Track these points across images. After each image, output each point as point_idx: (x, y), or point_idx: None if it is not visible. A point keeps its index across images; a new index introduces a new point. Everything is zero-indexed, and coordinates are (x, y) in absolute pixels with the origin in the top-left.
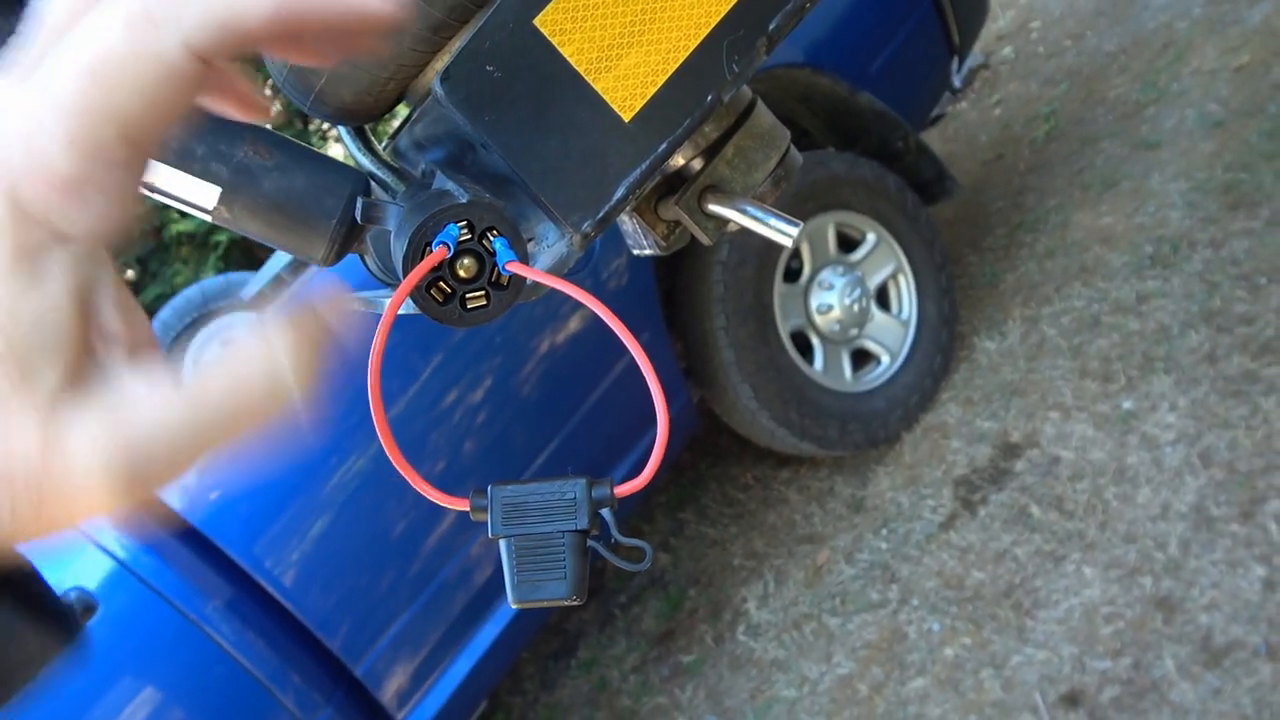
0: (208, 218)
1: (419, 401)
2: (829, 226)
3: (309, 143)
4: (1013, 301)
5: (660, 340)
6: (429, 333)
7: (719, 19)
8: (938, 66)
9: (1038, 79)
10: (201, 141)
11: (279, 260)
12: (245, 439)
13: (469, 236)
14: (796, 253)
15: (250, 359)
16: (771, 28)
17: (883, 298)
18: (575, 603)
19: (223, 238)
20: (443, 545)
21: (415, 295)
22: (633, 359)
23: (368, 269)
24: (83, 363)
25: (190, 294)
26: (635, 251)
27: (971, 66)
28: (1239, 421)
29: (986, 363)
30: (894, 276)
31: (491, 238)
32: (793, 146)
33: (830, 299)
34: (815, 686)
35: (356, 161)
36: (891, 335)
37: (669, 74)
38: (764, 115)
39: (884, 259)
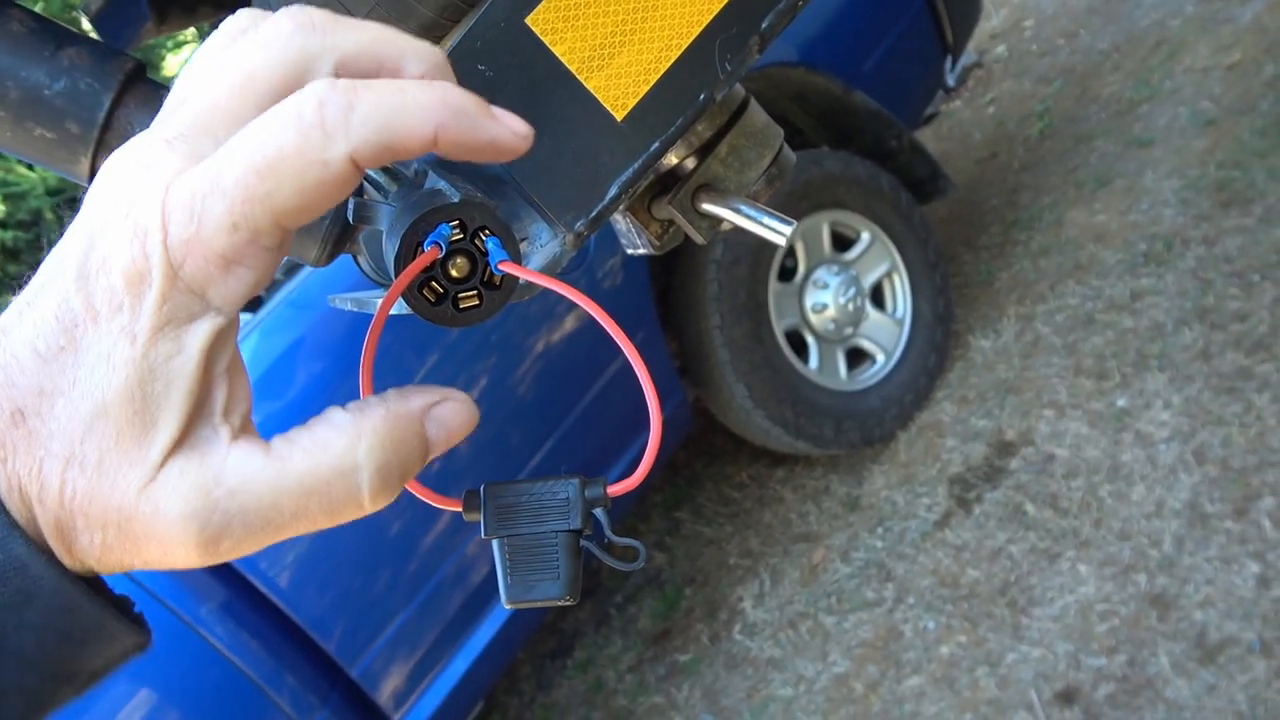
0: None
1: None
2: (824, 225)
3: None
4: (1007, 299)
5: (655, 339)
6: (424, 332)
7: (711, 18)
8: (931, 65)
9: (1031, 77)
10: None
11: None
12: (318, 523)
13: (461, 236)
14: (791, 252)
15: (330, 450)
16: (764, 26)
17: (877, 296)
18: (568, 603)
19: None
20: (438, 545)
21: (407, 295)
22: (628, 358)
23: (361, 269)
24: (196, 421)
25: None
26: (629, 251)
27: (965, 65)
28: (1233, 419)
29: (981, 361)
30: (889, 275)
31: (484, 237)
32: (786, 145)
33: (825, 298)
34: (811, 685)
35: None
36: (886, 334)
37: (661, 73)
38: (757, 114)
39: (878, 258)
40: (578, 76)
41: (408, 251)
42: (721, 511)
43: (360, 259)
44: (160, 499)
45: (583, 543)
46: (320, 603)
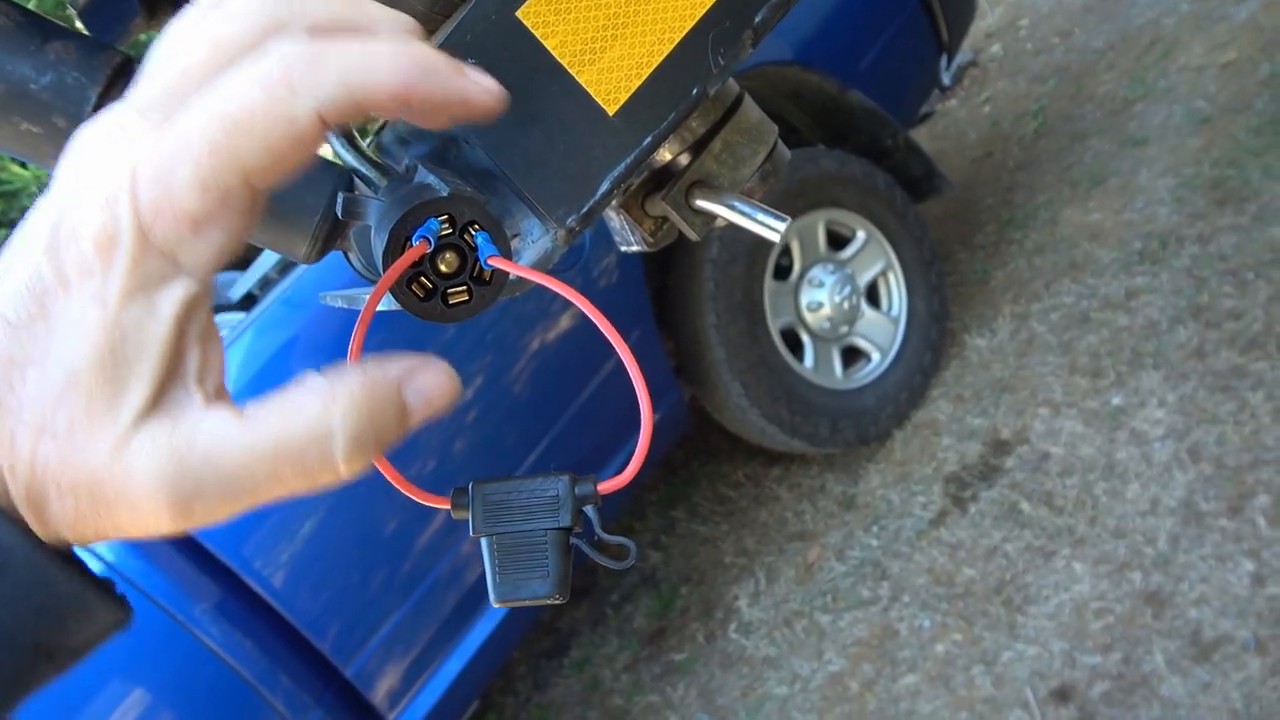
0: None
1: None
2: (819, 224)
3: None
4: (1002, 298)
5: (651, 338)
6: (418, 329)
7: (704, 11)
8: (927, 64)
9: (1026, 76)
10: None
11: (267, 260)
12: (289, 489)
13: (450, 231)
14: (786, 250)
15: (303, 413)
16: (757, 20)
17: (873, 295)
18: (558, 601)
19: None
20: (433, 545)
21: (395, 291)
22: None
23: (352, 266)
24: (169, 386)
25: None
26: (622, 248)
27: (960, 64)
28: (1227, 417)
29: (977, 359)
30: (884, 274)
31: (473, 232)
32: (780, 142)
33: (820, 296)
34: (807, 684)
35: (339, 157)
36: (882, 332)
37: (653, 67)
38: (751, 110)
39: (874, 256)
40: (569, 70)
41: (395, 246)
42: (717, 510)
43: (351, 255)
44: (131, 463)
45: (573, 540)
46: (315, 602)
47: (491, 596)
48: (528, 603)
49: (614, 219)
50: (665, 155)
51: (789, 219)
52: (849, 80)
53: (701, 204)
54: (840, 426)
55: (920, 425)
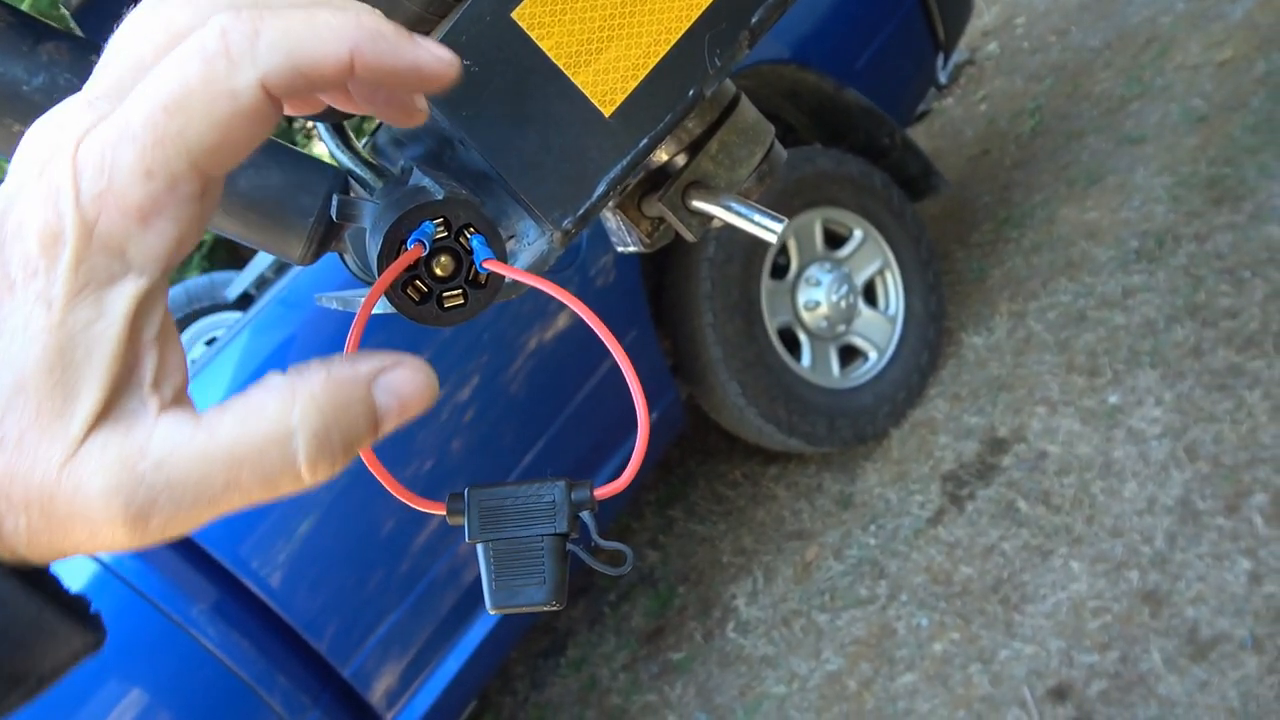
0: None
1: None
2: (816, 223)
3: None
4: (999, 297)
5: (648, 337)
6: (416, 330)
7: (700, 12)
8: (923, 62)
9: (1023, 74)
10: None
11: (263, 260)
12: (251, 497)
13: (445, 234)
14: (784, 249)
15: (262, 415)
16: (754, 21)
17: (870, 294)
18: (555, 608)
19: (207, 237)
20: (431, 544)
21: (390, 294)
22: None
23: (347, 267)
24: (121, 391)
25: (174, 294)
26: (619, 249)
27: (957, 62)
28: (1224, 415)
29: (974, 358)
30: (881, 273)
31: (469, 235)
32: (777, 142)
33: (818, 295)
34: (804, 683)
35: (335, 159)
36: (879, 331)
37: (650, 68)
38: (748, 110)
39: (871, 255)
40: (565, 72)
41: (390, 250)
42: (715, 509)
43: (347, 257)
44: (82, 475)
45: (569, 546)
46: (312, 602)
47: (488, 604)
48: (524, 609)
49: (610, 220)
50: (662, 156)
51: (785, 220)
52: (846, 79)
53: (698, 205)
54: (837, 425)
55: (917, 424)
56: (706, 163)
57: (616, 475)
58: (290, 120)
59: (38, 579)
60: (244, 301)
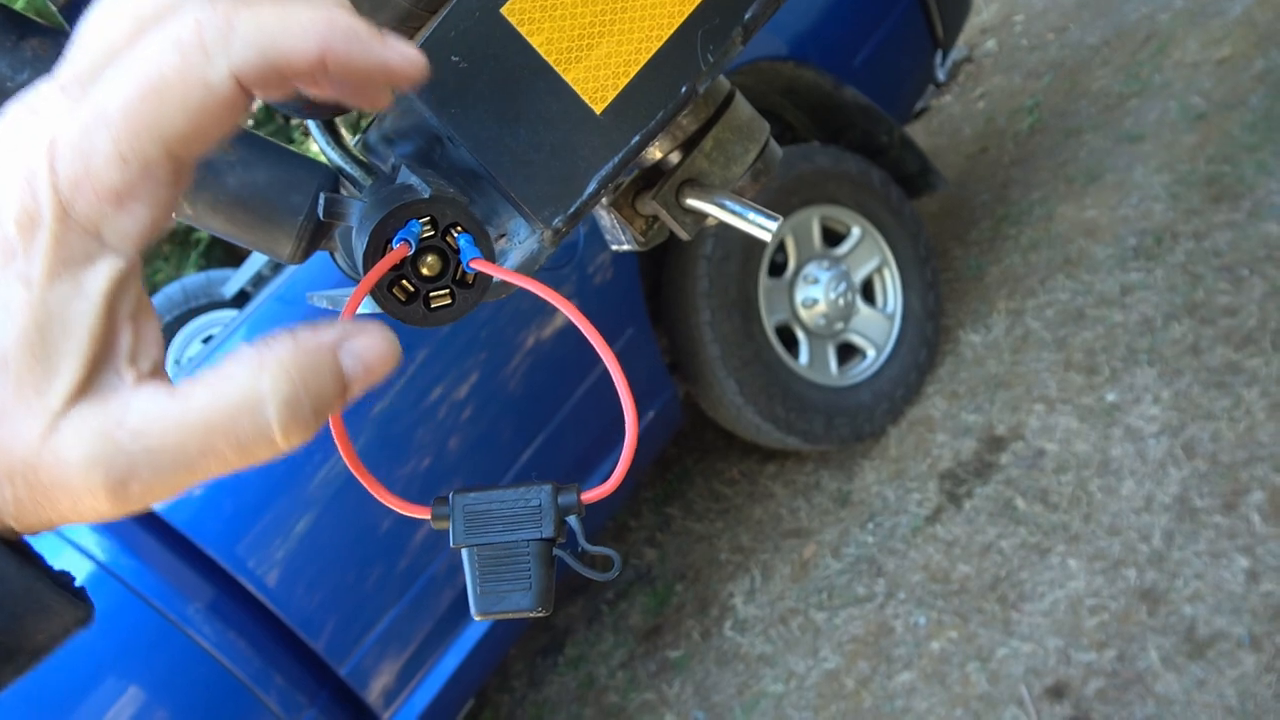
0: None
1: (403, 398)
2: (814, 220)
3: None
4: (997, 294)
5: (645, 335)
6: (413, 328)
7: (692, 8)
8: (921, 60)
9: (1021, 72)
10: None
11: (260, 258)
12: (228, 463)
13: (432, 233)
14: (782, 247)
15: (232, 382)
16: (747, 17)
17: (868, 291)
18: (541, 614)
19: (204, 235)
20: (428, 542)
21: (376, 294)
22: (615, 354)
23: (338, 266)
24: (99, 366)
25: (171, 291)
26: (614, 247)
27: (955, 60)
28: (1222, 413)
29: (971, 356)
30: (879, 270)
31: (456, 234)
32: (772, 140)
33: (815, 293)
34: (802, 681)
35: (325, 156)
36: (877, 329)
37: (641, 65)
38: (743, 108)
39: (869, 253)
40: (555, 68)
41: (376, 248)
42: (712, 507)
43: (337, 256)
44: (62, 447)
45: (556, 552)
46: (308, 601)
47: (472, 609)
48: (510, 615)
49: (605, 218)
50: (655, 153)
51: (780, 218)
52: (844, 76)
53: (692, 203)
54: (835, 423)
55: (915, 422)
56: (701, 160)
57: (604, 481)
58: (287, 119)
59: (26, 553)
60: (241, 299)
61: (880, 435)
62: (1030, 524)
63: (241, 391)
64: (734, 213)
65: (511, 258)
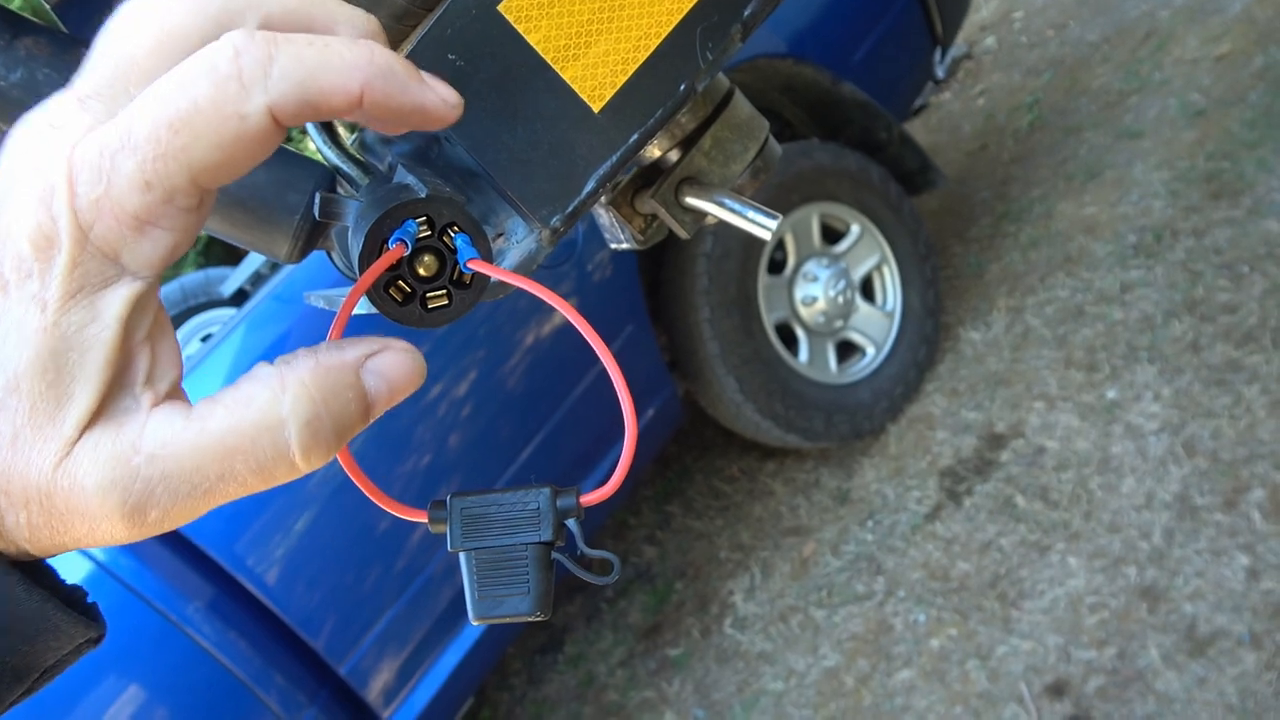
0: None
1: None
2: (813, 218)
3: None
4: (997, 292)
5: (645, 333)
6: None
7: (691, 5)
8: (921, 57)
9: (1021, 69)
10: None
11: (258, 256)
12: (247, 486)
13: (428, 233)
14: (781, 244)
15: (253, 405)
16: (746, 14)
17: (867, 289)
18: (539, 619)
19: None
20: (427, 542)
21: (372, 295)
22: (615, 352)
23: (335, 265)
24: (115, 390)
25: (169, 290)
26: (612, 246)
27: (954, 57)
28: (1222, 410)
29: (971, 353)
30: (878, 268)
31: (453, 234)
32: (772, 138)
33: (815, 291)
34: (802, 679)
35: (322, 155)
36: (876, 327)
37: (640, 62)
38: (742, 105)
39: (868, 250)
40: (553, 66)
41: (372, 249)
42: (712, 505)
43: (334, 255)
44: (77, 473)
45: (555, 555)
46: (308, 600)
47: (470, 614)
48: (508, 620)
49: (603, 216)
50: (654, 152)
51: (779, 216)
52: (843, 73)
53: (691, 201)
54: (835, 421)
55: (915, 419)
56: (700, 159)
57: (612, 472)
58: None
59: (38, 573)
60: (239, 298)
61: (880, 433)
62: (1030, 521)
63: (261, 413)
64: (733, 211)
65: (509, 257)
